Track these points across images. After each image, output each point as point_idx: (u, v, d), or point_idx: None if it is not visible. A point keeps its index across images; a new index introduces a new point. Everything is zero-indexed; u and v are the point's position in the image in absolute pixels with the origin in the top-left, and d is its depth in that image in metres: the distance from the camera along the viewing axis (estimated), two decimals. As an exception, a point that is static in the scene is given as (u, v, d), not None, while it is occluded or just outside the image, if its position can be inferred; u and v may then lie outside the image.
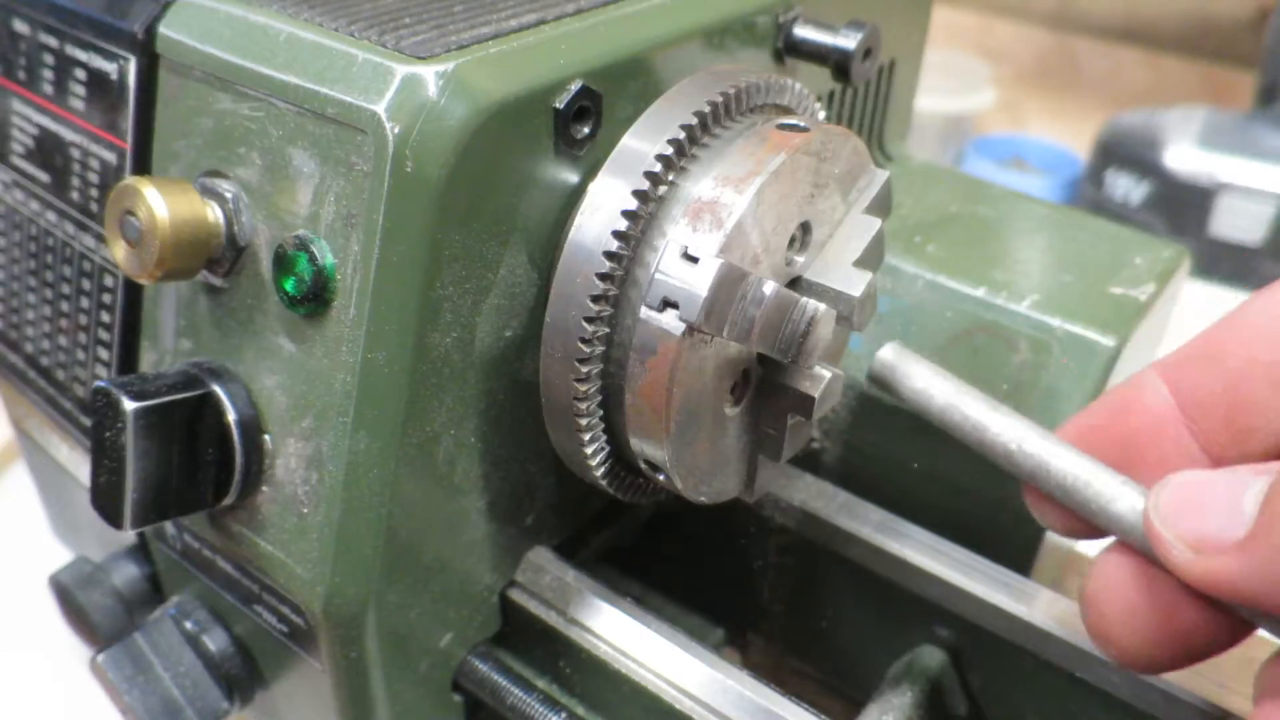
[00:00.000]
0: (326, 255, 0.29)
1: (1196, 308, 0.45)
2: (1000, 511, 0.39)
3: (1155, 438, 0.27)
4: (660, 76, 0.32)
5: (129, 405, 0.30)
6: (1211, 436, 0.27)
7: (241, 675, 0.38)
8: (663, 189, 0.30)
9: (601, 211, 0.29)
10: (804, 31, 0.37)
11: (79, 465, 0.42)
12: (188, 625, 0.38)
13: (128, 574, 0.42)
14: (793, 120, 0.31)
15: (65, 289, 0.39)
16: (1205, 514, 0.24)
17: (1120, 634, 0.26)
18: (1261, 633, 0.25)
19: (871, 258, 0.32)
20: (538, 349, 0.31)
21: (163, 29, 0.32)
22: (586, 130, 0.30)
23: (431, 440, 0.31)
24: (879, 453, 0.41)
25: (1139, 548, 0.26)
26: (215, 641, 0.37)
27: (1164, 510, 0.25)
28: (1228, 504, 0.23)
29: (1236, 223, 0.87)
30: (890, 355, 0.31)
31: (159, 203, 0.29)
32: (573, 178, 0.31)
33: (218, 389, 0.31)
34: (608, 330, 0.30)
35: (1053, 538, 0.39)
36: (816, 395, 0.31)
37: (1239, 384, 0.26)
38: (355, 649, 0.32)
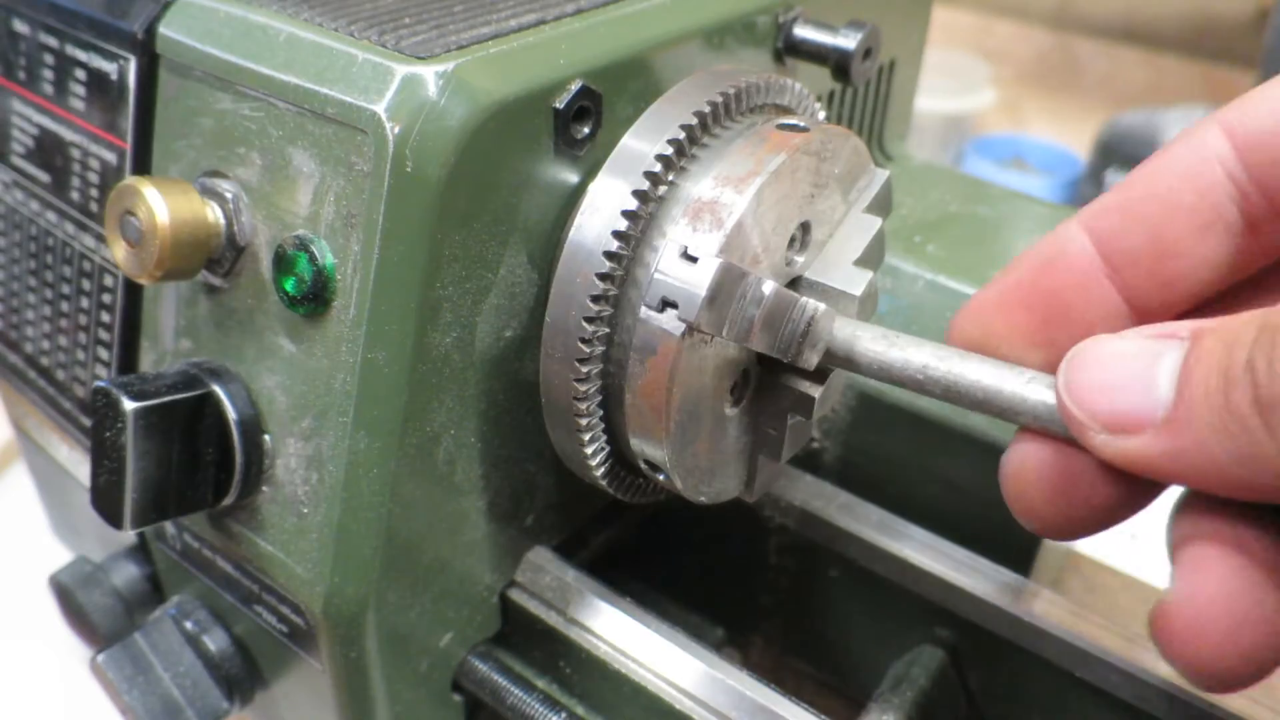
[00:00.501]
0: (326, 255, 0.29)
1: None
2: (1000, 511, 0.38)
3: (1079, 292, 0.26)
4: (660, 76, 0.32)
5: (129, 405, 0.30)
6: (1135, 288, 0.26)
7: (241, 675, 0.38)
8: (663, 189, 0.30)
9: (601, 211, 0.29)
10: (804, 31, 0.37)
11: (79, 465, 0.42)
12: (188, 625, 0.38)
13: (128, 574, 0.42)
14: (793, 120, 0.31)
15: (65, 289, 0.39)
16: (1118, 391, 0.23)
17: (1040, 508, 0.25)
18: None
19: (872, 257, 0.32)
20: (538, 349, 0.31)
21: (163, 29, 0.32)
22: (586, 130, 0.30)
23: (431, 440, 0.31)
24: (879, 453, 0.41)
25: (1060, 434, 0.25)
26: (215, 641, 0.37)
27: (1074, 388, 0.24)
28: (1141, 378, 0.22)
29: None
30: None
31: (159, 203, 0.29)
32: (573, 178, 0.31)
33: (218, 389, 0.31)
34: (608, 330, 0.30)
35: (1053, 537, 0.39)
36: (816, 395, 0.31)
37: (1161, 231, 0.25)
38: (355, 649, 0.32)
